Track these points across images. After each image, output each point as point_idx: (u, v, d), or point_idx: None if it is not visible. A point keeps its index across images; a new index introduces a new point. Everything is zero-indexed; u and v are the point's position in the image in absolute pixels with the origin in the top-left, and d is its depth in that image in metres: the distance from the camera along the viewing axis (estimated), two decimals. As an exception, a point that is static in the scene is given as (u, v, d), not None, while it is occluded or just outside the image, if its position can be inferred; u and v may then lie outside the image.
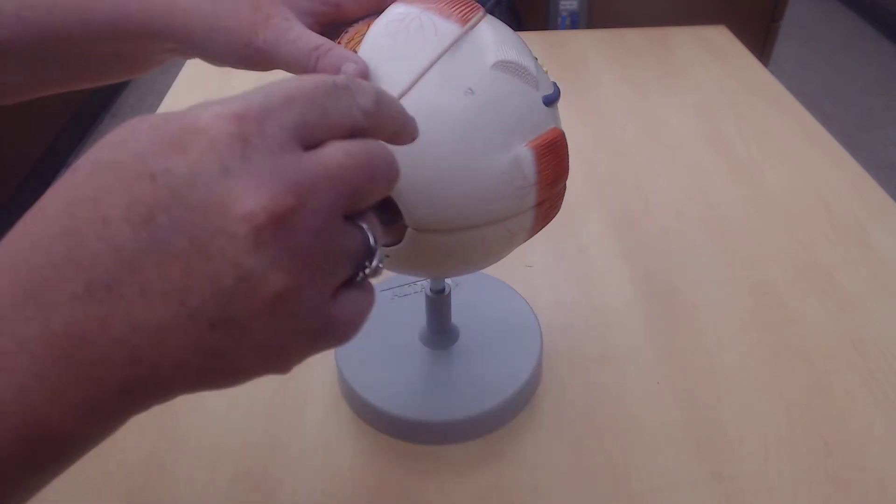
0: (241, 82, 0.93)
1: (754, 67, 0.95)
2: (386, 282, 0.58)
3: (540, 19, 1.22)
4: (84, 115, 2.28)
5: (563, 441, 0.50)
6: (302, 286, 0.23)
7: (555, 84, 0.40)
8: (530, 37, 1.03)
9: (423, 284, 0.51)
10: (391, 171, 0.26)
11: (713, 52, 0.99)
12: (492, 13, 0.38)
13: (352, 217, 0.25)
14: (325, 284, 0.24)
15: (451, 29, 0.36)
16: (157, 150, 0.22)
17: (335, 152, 0.24)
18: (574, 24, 1.21)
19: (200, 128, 0.22)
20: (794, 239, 0.67)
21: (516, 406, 0.51)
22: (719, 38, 1.02)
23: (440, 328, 0.52)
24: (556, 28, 1.22)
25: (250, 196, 0.21)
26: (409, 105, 0.34)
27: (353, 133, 0.25)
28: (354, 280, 0.25)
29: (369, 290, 0.26)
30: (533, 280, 0.62)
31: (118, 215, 0.21)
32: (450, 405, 0.49)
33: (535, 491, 0.47)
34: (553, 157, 0.37)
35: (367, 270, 0.25)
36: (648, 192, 0.73)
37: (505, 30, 0.39)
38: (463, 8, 0.37)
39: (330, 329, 0.24)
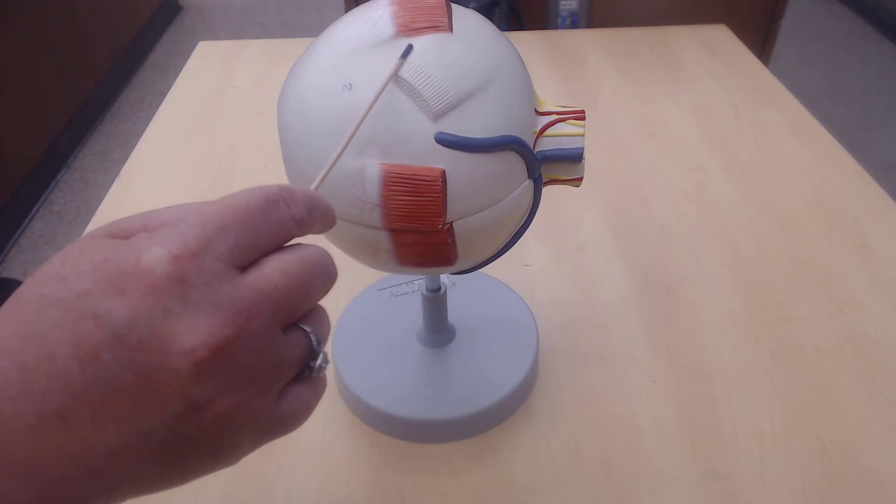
0: (241, 80, 0.93)
1: (754, 67, 0.95)
2: (383, 281, 0.58)
3: (540, 19, 1.22)
4: (84, 115, 2.28)
5: (559, 439, 0.50)
6: (247, 400, 0.24)
7: (508, 139, 0.36)
8: (530, 37, 1.03)
9: (419, 283, 0.51)
10: (328, 277, 0.27)
11: (713, 51, 0.99)
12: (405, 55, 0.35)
13: (294, 322, 0.26)
14: (269, 391, 0.25)
15: (387, 32, 0.36)
16: (98, 291, 0.23)
17: (271, 273, 0.25)
18: (574, 24, 1.21)
19: (140, 272, 0.23)
20: (792, 238, 0.67)
21: (512, 404, 0.51)
22: (720, 37, 1.02)
23: (437, 327, 0.52)
24: (556, 28, 1.22)
25: (190, 333, 0.23)
26: (304, 83, 0.36)
27: (287, 240, 0.27)
28: (300, 376, 0.27)
29: (317, 381, 0.28)
30: (530, 278, 0.62)
31: (65, 352, 0.22)
32: (446, 404, 0.49)
33: (530, 489, 0.47)
34: (408, 192, 0.35)
35: (312, 369, 0.27)
36: (647, 191, 0.73)
37: (464, 52, 0.36)
38: (419, 17, 0.36)
39: (277, 426, 0.26)
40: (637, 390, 0.53)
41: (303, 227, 0.27)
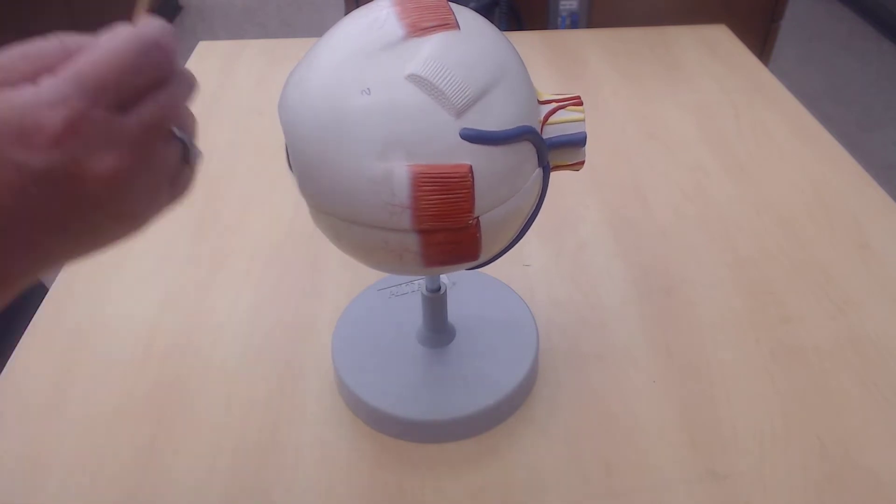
0: (241, 80, 0.93)
1: (754, 67, 0.95)
2: (383, 281, 0.58)
3: (540, 19, 1.22)
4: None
5: (559, 439, 0.50)
6: (133, 167, 0.29)
7: (525, 129, 0.37)
8: (530, 37, 1.03)
9: (419, 283, 0.51)
10: (189, 90, 0.32)
11: (713, 51, 0.99)
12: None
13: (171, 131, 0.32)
14: (151, 158, 0.30)
15: (397, 32, 0.36)
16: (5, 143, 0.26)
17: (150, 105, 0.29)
18: (574, 24, 1.21)
19: (40, 124, 0.26)
20: (792, 238, 0.67)
21: (512, 404, 0.51)
22: (720, 37, 1.02)
23: (437, 327, 0.52)
24: (556, 28, 1.22)
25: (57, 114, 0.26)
26: (312, 86, 0.36)
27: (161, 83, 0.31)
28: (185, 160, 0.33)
29: (191, 170, 0.34)
30: (530, 278, 0.62)
31: None
32: (446, 404, 0.49)
33: (530, 489, 0.47)
34: (439, 191, 0.35)
35: (190, 155, 0.33)
36: (647, 191, 0.73)
37: (475, 48, 0.36)
38: (427, 16, 0.36)
39: (171, 196, 0.32)
40: (637, 390, 0.53)
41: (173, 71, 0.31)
